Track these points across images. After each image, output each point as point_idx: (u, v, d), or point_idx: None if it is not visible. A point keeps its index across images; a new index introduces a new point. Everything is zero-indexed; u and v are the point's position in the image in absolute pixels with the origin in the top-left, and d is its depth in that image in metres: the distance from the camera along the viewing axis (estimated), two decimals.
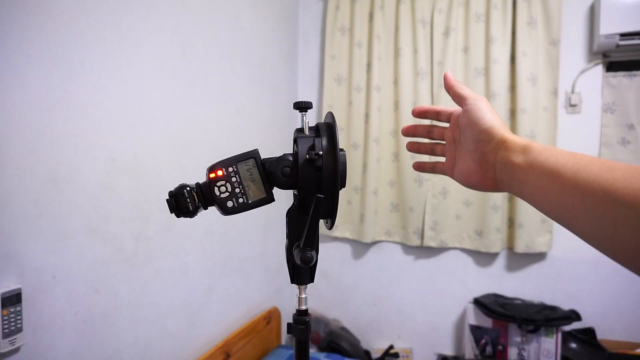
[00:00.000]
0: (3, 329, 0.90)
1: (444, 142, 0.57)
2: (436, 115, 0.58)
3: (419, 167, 0.61)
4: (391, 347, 2.22)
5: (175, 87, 1.43)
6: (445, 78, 0.52)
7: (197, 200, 0.52)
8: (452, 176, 0.54)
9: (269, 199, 0.53)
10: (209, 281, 1.63)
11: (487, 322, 2.02)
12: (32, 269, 0.97)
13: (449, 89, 0.52)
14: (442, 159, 0.57)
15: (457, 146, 0.53)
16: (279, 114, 2.16)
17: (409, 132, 0.60)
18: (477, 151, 0.48)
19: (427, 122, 0.63)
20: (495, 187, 0.48)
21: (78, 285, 1.09)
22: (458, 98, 0.51)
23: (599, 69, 1.97)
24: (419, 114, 0.58)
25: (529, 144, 0.43)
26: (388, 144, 2.24)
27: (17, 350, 0.95)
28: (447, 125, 0.57)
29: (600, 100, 1.97)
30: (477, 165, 0.48)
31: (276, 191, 0.53)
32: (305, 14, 2.44)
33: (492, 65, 2.02)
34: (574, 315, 1.90)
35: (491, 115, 0.47)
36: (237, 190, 0.52)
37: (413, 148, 0.61)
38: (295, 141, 0.52)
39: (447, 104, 2.00)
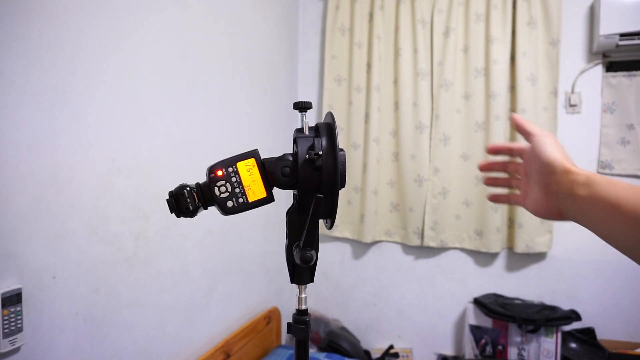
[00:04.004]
0: (3, 329, 0.90)
1: (519, 177, 0.60)
2: (509, 151, 0.61)
3: (495, 199, 0.64)
4: (391, 347, 2.22)
5: (175, 87, 1.43)
6: (513, 120, 0.57)
7: (197, 200, 0.52)
8: (525, 207, 0.57)
9: (269, 199, 0.53)
10: (209, 281, 1.63)
11: (487, 322, 2.02)
12: (32, 269, 0.97)
13: (518, 128, 0.56)
14: (516, 192, 0.61)
15: (528, 179, 0.56)
16: (279, 114, 2.16)
17: (485, 168, 0.64)
18: (542, 182, 0.51)
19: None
20: (560, 217, 0.50)
21: (78, 285, 1.09)
22: (526, 134, 0.55)
23: (599, 69, 1.97)
24: (493, 151, 0.62)
25: (592, 177, 0.45)
26: (388, 144, 2.24)
27: (17, 350, 0.95)
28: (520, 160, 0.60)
29: (600, 100, 1.97)
30: (544, 196, 0.51)
31: (276, 191, 0.53)
32: (305, 14, 2.44)
33: (492, 65, 2.02)
34: (574, 315, 1.90)
35: (554, 148, 0.50)
36: (237, 190, 0.52)
37: (490, 182, 0.65)
38: (295, 141, 0.52)
39: (447, 104, 2.01)
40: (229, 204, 0.52)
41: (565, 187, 0.47)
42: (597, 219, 0.43)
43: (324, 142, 0.51)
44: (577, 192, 0.45)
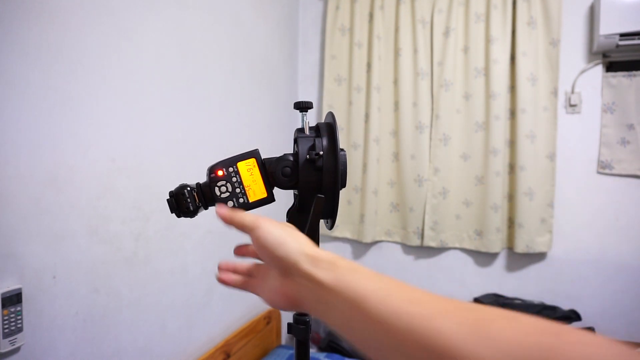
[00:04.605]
0: (3, 328, 0.90)
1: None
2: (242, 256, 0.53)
3: (225, 281, 0.52)
4: None
5: (175, 87, 1.43)
6: (218, 216, 0.48)
7: (197, 200, 0.52)
8: (261, 296, 0.48)
9: (270, 199, 0.53)
10: (209, 281, 1.63)
11: None
12: (32, 269, 0.97)
13: (229, 224, 0.48)
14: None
15: (267, 266, 0.48)
16: (279, 114, 2.16)
17: (237, 253, 0.54)
18: (280, 269, 0.43)
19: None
20: (299, 307, 0.43)
21: (78, 285, 1.09)
22: (241, 228, 0.47)
23: (599, 69, 1.97)
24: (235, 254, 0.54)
25: (336, 260, 0.39)
26: (388, 144, 2.24)
27: (17, 350, 0.95)
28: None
29: (600, 100, 1.97)
30: (280, 284, 0.44)
31: (276, 191, 0.53)
32: (305, 14, 2.43)
33: (492, 65, 2.02)
34: (574, 315, 1.90)
35: (280, 230, 0.44)
36: (238, 190, 0.52)
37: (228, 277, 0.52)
38: (295, 141, 0.52)
39: (447, 105, 1.99)
40: (230, 204, 0.52)
41: (306, 269, 0.39)
42: (338, 311, 0.36)
43: (324, 142, 0.51)
44: (319, 276, 0.38)
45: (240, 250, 0.53)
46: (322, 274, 0.38)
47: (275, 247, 0.43)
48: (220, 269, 0.53)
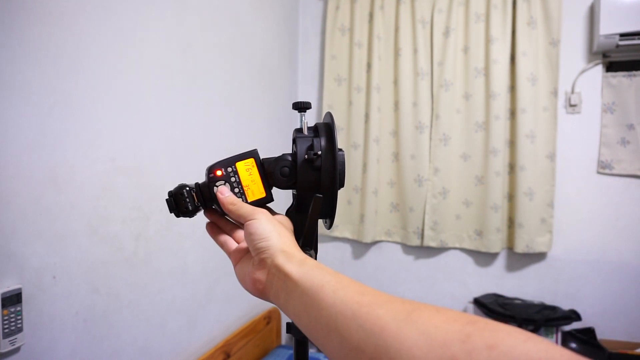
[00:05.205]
0: (3, 328, 0.90)
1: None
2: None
3: (213, 231, 0.56)
4: None
5: (175, 87, 1.43)
6: (219, 200, 0.50)
7: (196, 200, 0.52)
8: (235, 271, 0.52)
9: (268, 198, 0.53)
10: (209, 281, 1.63)
11: None
12: (32, 269, 0.97)
13: (228, 211, 0.50)
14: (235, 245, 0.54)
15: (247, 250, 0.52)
16: (279, 114, 2.17)
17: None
18: (257, 256, 0.47)
19: None
20: (263, 294, 0.47)
21: (78, 285, 1.09)
22: (237, 218, 0.50)
23: (599, 69, 1.97)
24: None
25: (306, 259, 0.44)
26: (388, 144, 2.24)
27: (17, 350, 0.95)
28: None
29: (600, 100, 1.97)
30: (255, 268, 0.47)
31: (275, 191, 0.53)
32: (305, 14, 2.44)
33: (492, 65, 2.02)
34: (574, 315, 1.90)
35: (271, 227, 0.47)
36: (236, 190, 0.52)
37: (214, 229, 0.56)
38: (294, 141, 0.52)
39: (447, 105, 1.99)
40: None
41: (279, 262, 0.44)
42: (299, 300, 0.41)
43: (322, 142, 0.51)
44: (289, 269, 0.43)
45: (212, 231, 0.55)
46: (291, 268, 0.43)
47: (260, 239, 0.46)
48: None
